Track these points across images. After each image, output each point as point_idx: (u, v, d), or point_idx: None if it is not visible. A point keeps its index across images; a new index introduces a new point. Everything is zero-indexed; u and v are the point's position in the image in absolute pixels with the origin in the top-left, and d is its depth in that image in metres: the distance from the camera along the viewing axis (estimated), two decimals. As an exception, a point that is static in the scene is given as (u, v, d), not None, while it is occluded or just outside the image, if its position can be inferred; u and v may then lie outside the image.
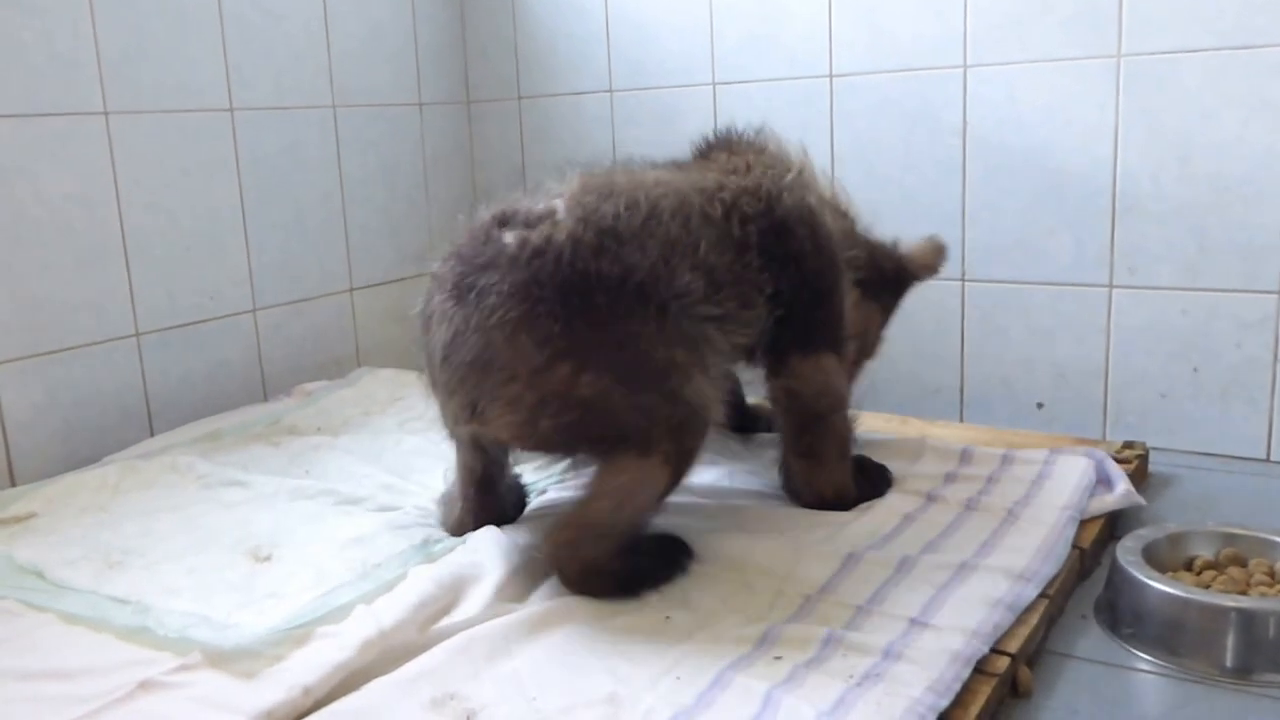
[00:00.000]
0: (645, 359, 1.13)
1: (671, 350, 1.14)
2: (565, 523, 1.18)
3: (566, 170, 1.28)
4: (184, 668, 1.02)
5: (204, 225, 1.87)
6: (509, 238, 1.15)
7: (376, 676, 1.00)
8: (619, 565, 1.16)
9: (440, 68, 2.30)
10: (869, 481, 1.42)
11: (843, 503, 1.38)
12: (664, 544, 1.23)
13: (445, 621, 1.11)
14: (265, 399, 1.96)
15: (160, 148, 1.79)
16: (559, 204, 1.18)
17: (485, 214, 1.20)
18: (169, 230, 1.81)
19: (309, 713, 0.96)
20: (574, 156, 2.19)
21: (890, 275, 1.56)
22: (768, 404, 1.46)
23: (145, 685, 0.99)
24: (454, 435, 1.27)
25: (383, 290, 2.21)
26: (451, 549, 1.25)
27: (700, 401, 1.16)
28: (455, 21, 2.33)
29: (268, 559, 1.28)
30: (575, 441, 1.18)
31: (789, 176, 1.37)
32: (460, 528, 1.32)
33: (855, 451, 1.44)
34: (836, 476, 1.39)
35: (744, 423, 1.65)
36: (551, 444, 1.20)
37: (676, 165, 1.42)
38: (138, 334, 1.77)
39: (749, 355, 1.36)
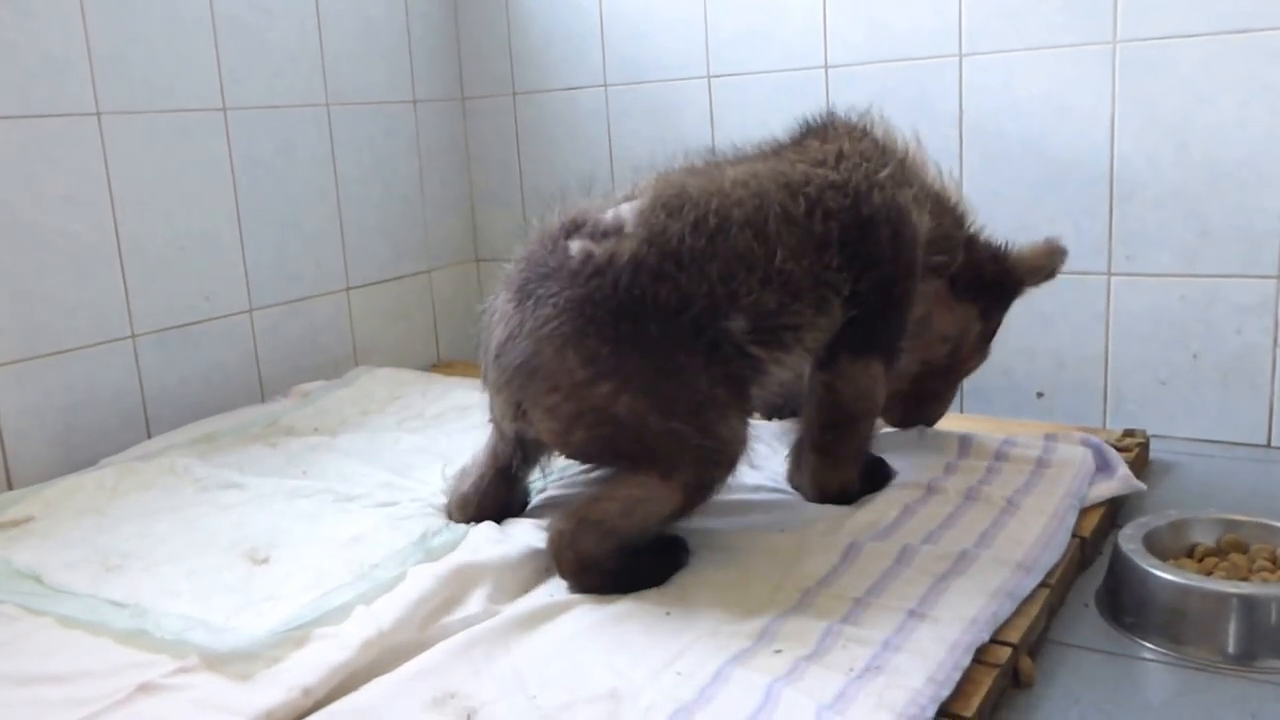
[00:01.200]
0: (685, 391, 1.15)
1: (714, 388, 1.16)
2: (571, 513, 1.18)
3: (647, 169, 1.30)
4: (182, 670, 1.02)
5: (199, 225, 1.86)
6: (574, 249, 1.17)
7: (377, 676, 1.00)
8: (615, 565, 1.17)
9: (434, 65, 2.30)
10: (869, 477, 1.42)
11: (845, 498, 1.37)
12: (662, 544, 1.23)
13: (445, 620, 1.10)
14: (262, 400, 1.96)
15: (153, 148, 1.78)
16: (628, 218, 1.19)
17: (557, 219, 1.22)
18: (163, 231, 1.81)
19: (309, 713, 0.96)
20: (568, 155, 2.21)
21: (991, 279, 1.50)
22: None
23: (144, 688, 0.99)
24: (498, 428, 1.30)
25: (380, 289, 2.20)
26: (451, 545, 1.24)
27: (730, 438, 1.18)
28: (449, 18, 2.32)
29: (265, 561, 1.28)
30: (605, 455, 1.20)
31: (884, 171, 1.32)
32: (462, 503, 1.35)
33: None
34: (845, 476, 1.38)
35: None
36: (584, 453, 1.22)
37: (768, 150, 1.38)
38: (133, 336, 1.77)
39: (815, 352, 1.33)
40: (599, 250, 1.16)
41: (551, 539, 1.19)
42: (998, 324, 1.55)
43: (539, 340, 1.14)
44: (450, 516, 1.36)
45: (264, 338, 1.98)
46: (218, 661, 1.02)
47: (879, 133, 1.40)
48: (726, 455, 1.18)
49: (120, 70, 1.73)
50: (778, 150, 1.38)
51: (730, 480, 1.21)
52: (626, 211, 1.21)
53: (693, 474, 1.16)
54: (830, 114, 1.41)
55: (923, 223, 1.36)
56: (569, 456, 1.27)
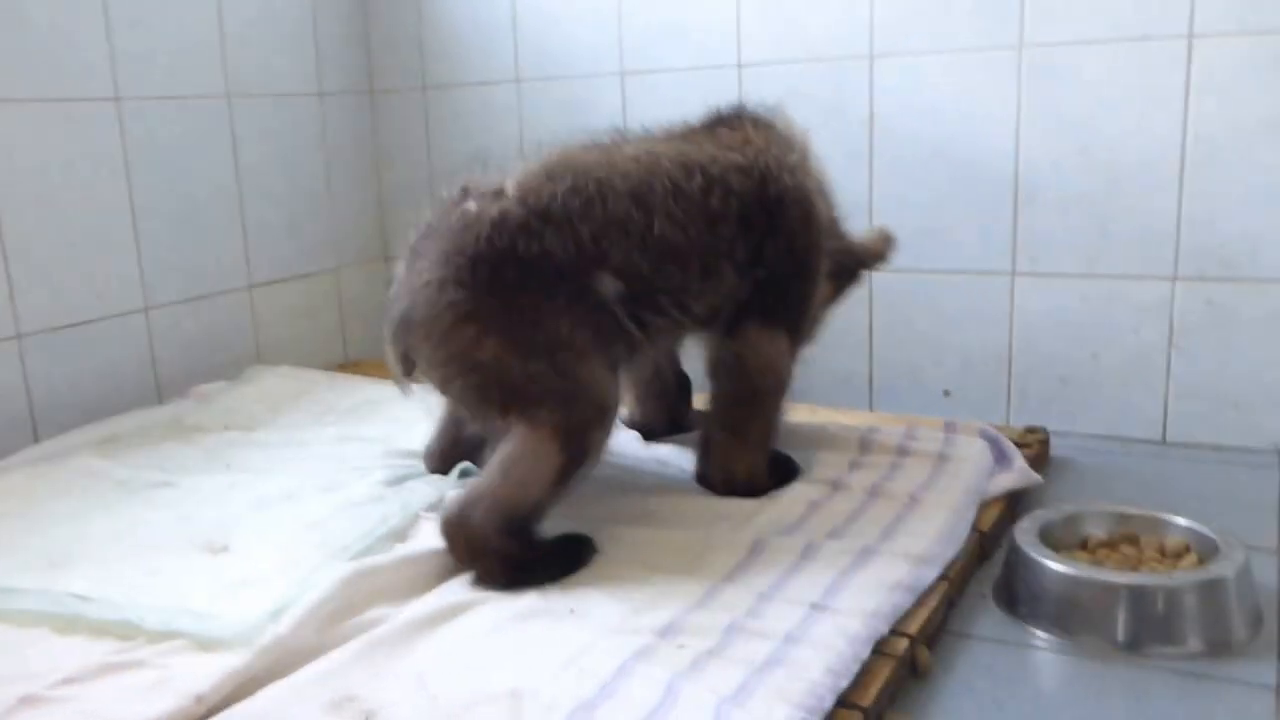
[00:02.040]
0: (541, 334, 1.20)
1: (574, 331, 1.20)
2: (455, 498, 1.22)
3: (562, 143, 1.35)
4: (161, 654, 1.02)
5: (90, 221, 1.80)
6: (459, 209, 1.24)
7: (273, 681, 0.98)
8: (508, 547, 1.17)
9: (341, 56, 2.25)
10: (776, 473, 1.42)
11: (752, 489, 1.38)
12: (566, 541, 1.23)
13: (346, 623, 1.09)
14: (160, 402, 1.90)
15: (41, 139, 1.72)
16: (510, 181, 1.25)
17: (459, 183, 1.28)
18: (52, 226, 1.74)
19: (202, 721, 0.94)
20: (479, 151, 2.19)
21: (846, 264, 1.57)
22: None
23: (27, 700, 0.96)
24: (398, 384, 1.34)
25: (284, 287, 2.16)
26: (400, 531, 1.27)
27: (590, 381, 1.21)
28: (357, 7, 2.28)
29: (225, 549, 1.28)
30: (480, 403, 1.24)
31: (792, 157, 1.40)
32: (428, 455, 1.48)
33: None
34: (753, 461, 1.40)
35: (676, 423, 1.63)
36: (466, 403, 1.27)
37: (677, 134, 1.43)
38: (19, 336, 1.70)
39: (710, 322, 1.37)
40: (473, 206, 1.23)
41: (442, 527, 1.20)
42: (837, 302, 1.63)
43: (414, 291, 1.21)
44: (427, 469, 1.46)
45: (161, 337, 1.92)
46: (214, 645, 1.03)
47: (781, 125, 1.46)
48: (590, 398, 1.21)
49: (5, 58, 1.66)
50: (686, 134, 1.43)
51: (607, 436, 1.24)
52: (510, 177, 1.26)
53: (561, 418, 1.19)
54: (740, 105, 1.47)
55: (825, 211, 1.44)
56: (459, 408, 1.32)
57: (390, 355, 1.28)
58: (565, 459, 1.19)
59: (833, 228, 1.50)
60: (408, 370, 1.28)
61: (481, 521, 1.17)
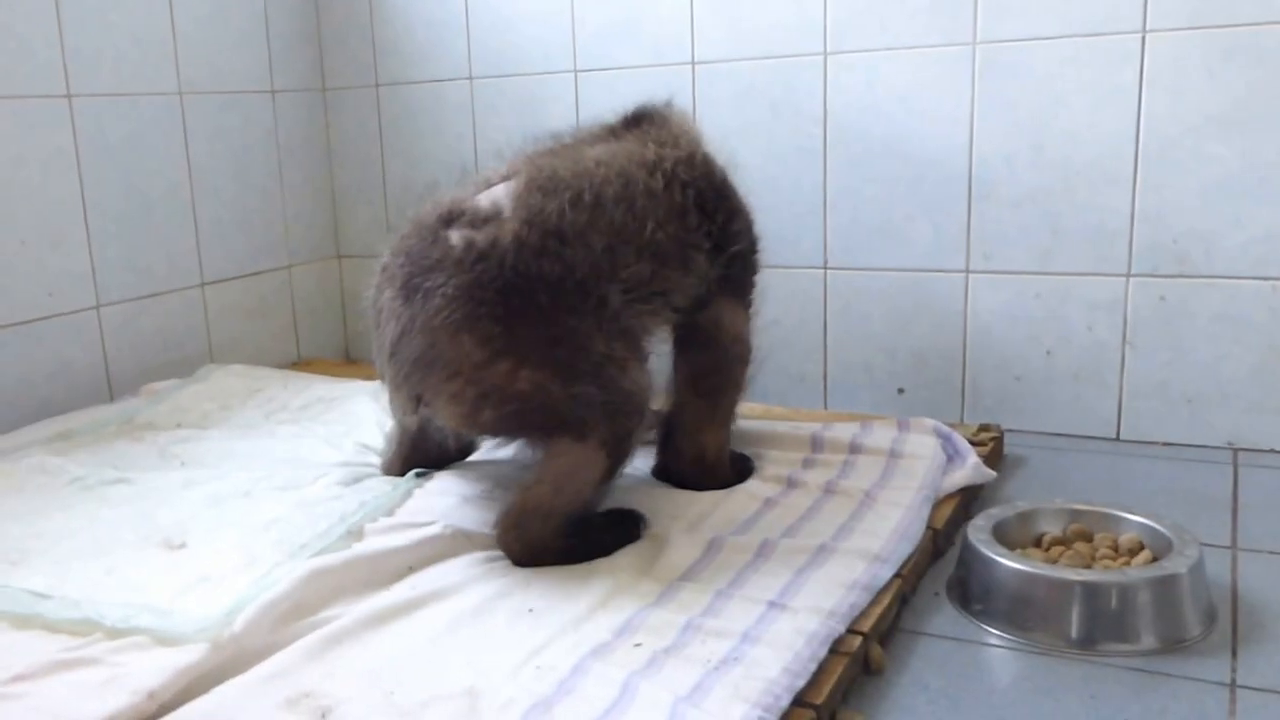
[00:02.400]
0: (582, 353, 1.18)
1: (610, 343, 1.20)
2: (509, 509, 1.22)
3: (507, 154, 1.35)
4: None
5: (41, 218, 1.77)
6: (455, 238, 1.19)
7: (228, 679, 0.97)
8: (567, 545, 1.21)
9: (293, 53, 2.23)
10: (734, 467, 1.44)
11: (716, 473, 1.41)
12: (616, 516, 1.28)
13: (302, 621, 1.08)
14: (111, 399, 1.88)
15: (-10, 136, 1.69)
16: (505, 202, 1.22)
17: (432, 209, 1.24)
18: (2, 223, 1.72)
19: (155, 718, 0.93)
20: (433, 149, 2.18)
21: None
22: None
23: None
24: (401, 424, 1.36)
25: (237, 285, 2.13)
26: (359, 530, 1.25)
27: (634, 389, 1.22)
28: (308, 4, 2.26)
29: (183, 546, 1.27)
30: (517, 429, 1.23)
31: (702, 147, 1.42)
32: (389, 469, 1.46)
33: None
34: (721, 438, 1.42)
35: None
36: (495, 431, 1.25)
37: (606, 134, 1.44)
38: (-32, 332, 1.68)
39: (686, 308, 1.39)
40: (480, 236, 1.18)
41: (499, 541, 1.22)
42: None
43: (433, 331, 1.16)
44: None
45: (113, 335, 1.90)
46: (176, 641, 1.02)
47: (676, 119, 1.47)
48: (634, 405, 1.22)
49: (-48, 52, 1.64)
50: (616, 133, 1.44)
51: (643, 427, 1.26)
52: (502, 196, 1.23)
53: (607, 430, 1.19)
54: (648, 106, 1.48)
55: None
56: (479, 435, 1.33)
57: (398, 399, 1.26)
58: (612, 462, 1.22)
59: None
60: (418, 409, 1.24)
61: (539, 532, 1.20)
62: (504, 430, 1.24)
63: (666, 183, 1.33)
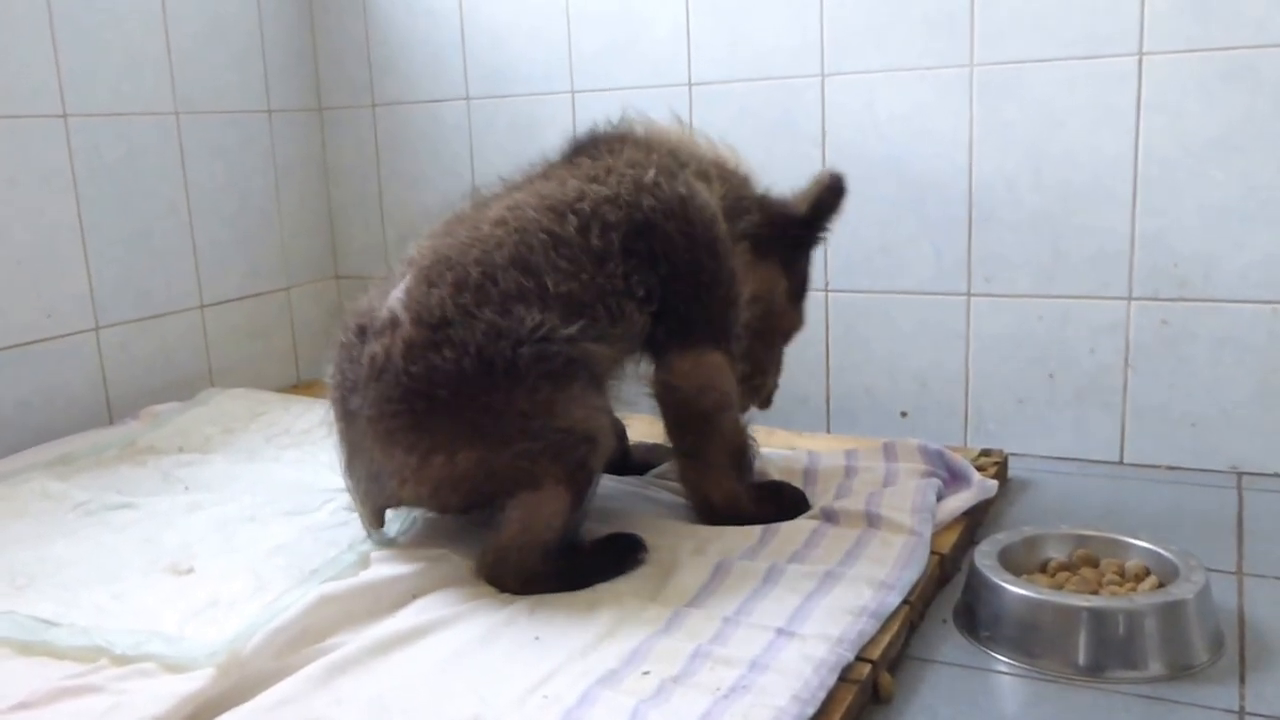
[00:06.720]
0: (504, 417, 1.18)
1: (533, 396, 1.18)
2: (485, 549, 1.23)
3: (413, 238, 1.34)
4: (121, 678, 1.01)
5: (38, 239, 1.77)
6: (366, 354, 1.22)
7: (233, 707, 0.97)
8: (556, 567, 1.21)
9: (290, 73, 2.23)
10: (773, 501, 1.40)
11: (735, 514, 1.36)
12: (613, 540, 1.27)
13: (309, 648, 1.08)
14: (110, 422, 1.87)
15: (-14, 156, 1.69)
16: (398, 305, 1.22)
17: (353, 318, 1.26)
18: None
19: (158, 747, 0.92)
20: (429, 170, 2.17)
21: (783, 229, 1.47)
22: (647, 443, 1.55)
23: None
24: (369, 532, 1.34)
25: (235, 306, 2.13)
26: (366, 557, 1.26)
27: (572, 423, 1.20)
28: (304, 24, 2.26)
29: (190, 571, 1.27)
30: (483, 501, 1.23)
31: (651, 172, 1.32)
32: (372, 517, 1.37)
33: (756, 461, 1.42)
34: (725, 483, 1.37)
35: (623, 465, 1.60)
36: (467, 508, 1.26)
37: (537, 174, 1.39)
38: (-35, 355, 1.67)
39: (634, 357, 1.35)
40: (379, 348, 1.20)
41: (486, 578, 1.23)
42: (804, 279, 1.54)
43: (368, 450, 1.21)
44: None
45: (112, 357, 1.89)
46: (187, 667, 1.02)
47: (640, 132, 1.43)
48: (578, 436, 1.20)
49: (-51, 73, 1.63)
50: (547, 172, 1.39)
51: (607, 448, 1.26)
52: (398, 297, 1.23)
53: (559, 469, 1.19)
54: (593, 129, 1.45)
55: (714, 192, 1.38)
56: (464, 512, 1.30)
57: (364, 514, 1.29)
58: (574, 491, 1.21)
59: (747, 199, 1.44)
60: (381, 523, 1.30)
61: (523, 560, 1.20)
62: (473, 505, 1.24)
63: (582, 226, 1.27)
